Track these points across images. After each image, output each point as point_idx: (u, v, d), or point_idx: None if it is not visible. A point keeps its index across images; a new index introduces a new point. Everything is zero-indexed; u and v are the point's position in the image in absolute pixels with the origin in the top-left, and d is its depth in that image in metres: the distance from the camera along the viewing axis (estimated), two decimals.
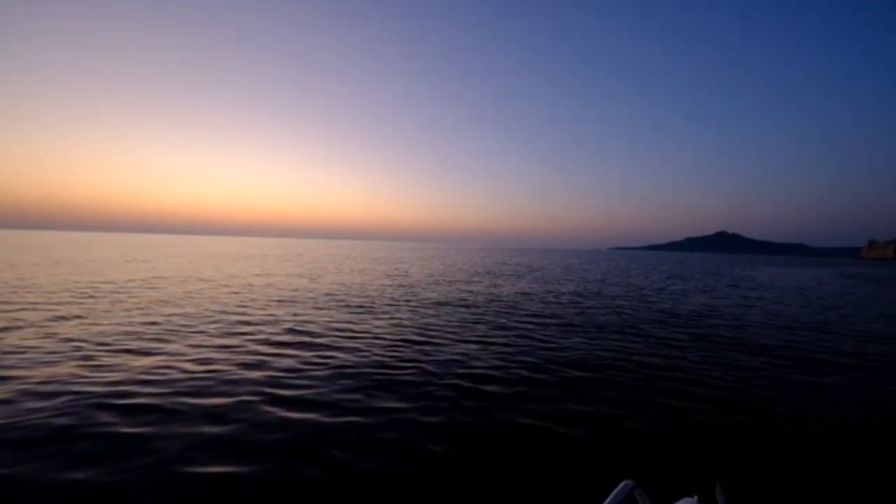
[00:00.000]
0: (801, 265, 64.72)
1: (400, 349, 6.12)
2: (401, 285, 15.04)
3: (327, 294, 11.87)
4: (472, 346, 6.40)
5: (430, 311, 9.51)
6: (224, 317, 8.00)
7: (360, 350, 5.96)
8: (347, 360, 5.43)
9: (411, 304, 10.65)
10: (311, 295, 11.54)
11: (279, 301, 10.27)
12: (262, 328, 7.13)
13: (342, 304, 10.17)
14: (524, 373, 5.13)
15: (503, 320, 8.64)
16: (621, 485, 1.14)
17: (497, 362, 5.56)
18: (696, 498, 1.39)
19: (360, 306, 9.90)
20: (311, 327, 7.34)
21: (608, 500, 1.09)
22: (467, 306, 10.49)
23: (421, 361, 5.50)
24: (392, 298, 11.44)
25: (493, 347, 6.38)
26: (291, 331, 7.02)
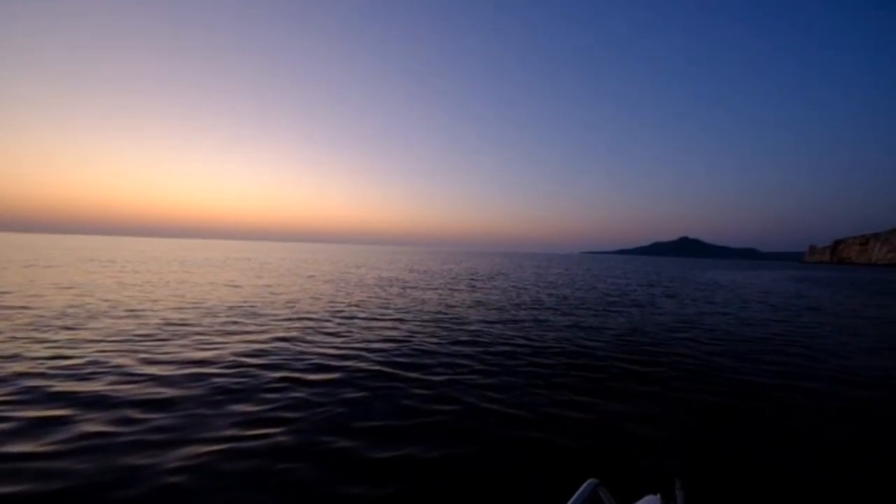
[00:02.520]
0: (756, 268, 68.28)
1: (266, 396, 4.13)
2: (341, 291, 12.92)
3: (235, 305, 9.58)
4: (374, 388, 4.50)
5: (354, 329, 7.53)
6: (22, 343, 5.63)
7: (191, 402, 3.90)
8: (154, 428, 3.38)
9: (337, 317, 8.62)
10: (209, 305, 9.20)
11: (161, 316, 7.92)
12: (65, 368, 4.88)
13: (247, 315, 7.97)
14: (422, 446, 3.29)
15: (436, 340, 6.81)
16: (585, 483, 1.18)
17: (394, 421, 3.70)
18: (658, 495, 1.37)
19: (273, 320, 7.75)
20: (155, 358, 5.16)
21: (573, 498, 1.12)
22: (403, 320, 8.59)
23: (282, 423, 3.54)
24: (318, 310, 9.35)
25: (401, 388, 4.51)
26: (94, 367, 4.82)
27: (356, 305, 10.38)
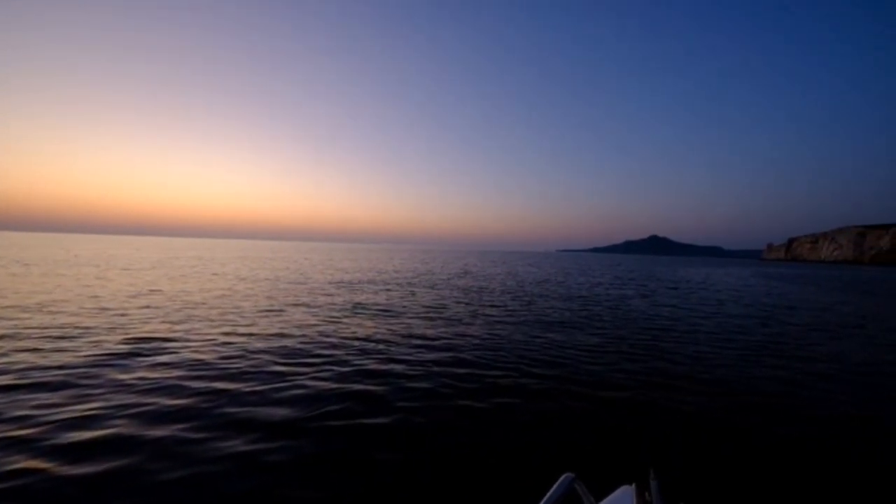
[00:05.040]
0: (722, 266, 71.00)
1: None
2: (272, 296, 10.78)
3: (106, 320, 7.33)
4: (164, 486, 2.63)
5: (243, 352, 5.56)
6: None
7: None
8: None
9: (234, 335, 6.59)
10: (62, 316, 6.91)
11: None
12: None
13: (104, 332, 5.81)
14: None
15: (342, 370, 4.92)
16: (561, 478, 1.16)
17: None
18: (633, 485, 1.32)
19: (130, 339, 5.64)
20: None
21: (549, 493, 1.10)
22: (318, 339, 6.66)
23: None
24: (216, 324, 7.26)
25: (215, 474, 2.66)
26: None
27: (276, 315, 8.35)
